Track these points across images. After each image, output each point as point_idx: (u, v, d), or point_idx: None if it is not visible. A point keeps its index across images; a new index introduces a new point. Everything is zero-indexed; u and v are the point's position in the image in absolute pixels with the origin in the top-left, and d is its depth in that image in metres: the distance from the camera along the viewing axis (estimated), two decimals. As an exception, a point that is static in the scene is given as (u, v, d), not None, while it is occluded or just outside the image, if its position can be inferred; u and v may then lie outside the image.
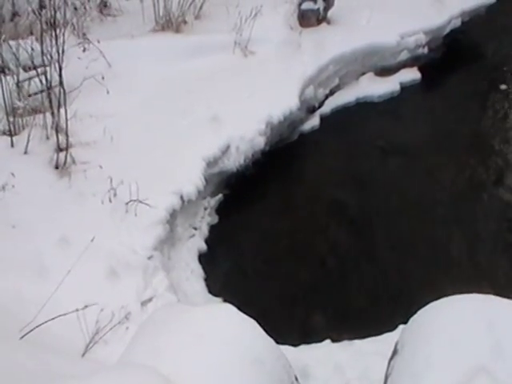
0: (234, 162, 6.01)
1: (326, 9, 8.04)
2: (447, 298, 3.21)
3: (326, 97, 7.38)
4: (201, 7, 8.02)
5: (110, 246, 4.57)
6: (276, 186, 6.11)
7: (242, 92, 6.58)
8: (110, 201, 4.98)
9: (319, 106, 7.26)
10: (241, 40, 7.24)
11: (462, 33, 8.41)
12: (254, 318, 3.34)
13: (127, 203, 4.95)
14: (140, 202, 4.94)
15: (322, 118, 7.11)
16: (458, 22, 8.42)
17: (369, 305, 4.79)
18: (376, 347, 3.98)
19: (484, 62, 8.27)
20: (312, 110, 7.15)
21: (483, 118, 7.34)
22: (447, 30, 8.34)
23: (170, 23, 7.69)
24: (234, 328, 3.34)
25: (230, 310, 3.46)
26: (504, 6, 8.69)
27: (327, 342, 4.26)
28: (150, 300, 4.34)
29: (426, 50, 8.10)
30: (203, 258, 5.23)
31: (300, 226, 5.67)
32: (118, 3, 8.37)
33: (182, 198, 5.28)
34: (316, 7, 7.92)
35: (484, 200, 6.03)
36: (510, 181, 6.23)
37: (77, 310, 3.86)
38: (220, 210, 5.78)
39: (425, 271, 5.06)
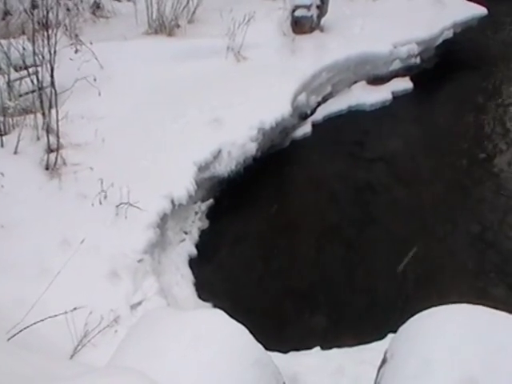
0: (225, 167, 5.99)
1: (320, 16, 8.07)
2: (437, 308, 3.20)
3: (319, 104, 7.40)
4: (194, 11, 8.03)
5: (99, 248, 4.53)
6: (267, 192, 6.09)
7: (234, 97, 6.58)
8: (101, 203, 4.95)
9: (311, 113, 7.27)
10: (233, 45, 7.26)
11: (454, 44, 8.48)
12: (244, 324, 3.32)
13: (118, 206, 4.91)
14: (131, 204, 4.91)
15: (314, 125, 7.13)
16: (450, 34, 8.49)
17: (360, 313, 4.78)
18: (365, 355, 3.97)
19: (475, 72, 8.33)
20: (304, 117, 7.16)
21: (474, 129, 7.38)
22: (439, 41, 8.41)
23: (163, 26, 7.69)
24: (224, 333, 3.32)
25: (220, 315, 3.44)
26: (495, 18, 8.79)
27: (317, 349, 4.25)
28: (139, 304, 4.30)
29: (418, 60, 8.15)
30: (193, 263, 5.20)
31: (290, 232, 5.66)
32: (111, 5, 8.38)
33: (172, 202, 5.26)
34: (309, 14, 7.94)
35: (471, 212, 6.04)
36: (500, 194, 6.23)
37: (65, 312, 3.83)
38: (211, 214, 5.75)
39: (415, 280, 5.08)
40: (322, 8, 8.07)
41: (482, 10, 8.72)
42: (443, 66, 8.22)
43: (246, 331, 3.33)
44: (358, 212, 5.94)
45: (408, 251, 5.29)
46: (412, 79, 7.93)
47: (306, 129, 7.06)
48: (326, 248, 5.49)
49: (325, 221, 5.86)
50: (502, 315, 3.07)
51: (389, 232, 5.63)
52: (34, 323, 3.71)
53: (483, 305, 3.14)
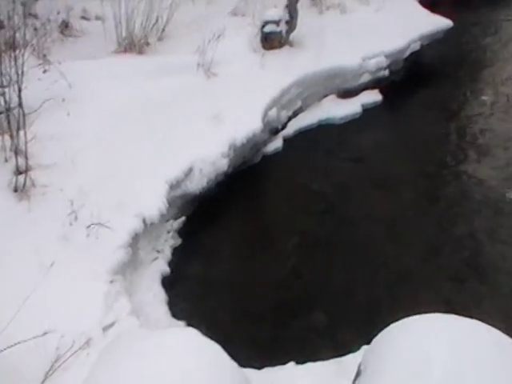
0: (197, 184, 5.97)
1: (289, 31, 8.15)
2: (409, 318, 3.22)
3: (289, 119, 7.43)
4: (163, 29, 8.05)
5: (70, 270, 4.47)
6: (239, 209, 6.11)
7: (204, 113, 6.58)
8: (71, 224, 4.89)
9: (282, 128, 7.30)
10: (204, 62, 7.28)
11: (421, 56, 8.64)
12: (218, 342, 3.31)
13: (88, 227, 4.86)
14: (101, 225, 4.86)
15: (285, 140, 7.16)
16: (417, 46, 8.64)
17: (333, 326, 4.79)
18: (340, 368, 3.97)
19: (442, 83, 8.48)
20: (275, 132, 7.19)
21: (442, 138, 7.49)
22: (407, 54, 8.54)
23: (132, 45, 7.69)
24: (197, 351, 3.30)
25: (194, 334, 3.42)
26: (460, 30, 8.98)
27: (291, 364, 4.23)
28: (111, 325, 4.24)
29: (386, 73, 8.26)
30: (166, 282, 5.16)
31: (263, 248, 5.65)
32: (80, 24, 8.35)
33: (144, 221, 5.21)
34: (278, 30, 8.02)
35: (438, 217, 6.10)
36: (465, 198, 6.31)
37: (36, 337, 3.76)
38: (183, 232, 5.72)
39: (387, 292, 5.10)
40: (291, 23, 8.15)
41: (447, 23, 8.91)
42: (411, 78, 8.36)
43: (220, 349, 3.32)
44: (330, 225, 5.96)
45: (378, 262, 5.34)
46: (381, 91, 8.04)
47: (277, 144, 7.09)
48: (299, 262, 5.49)
49: (297, 235, 5.86)
50: (473, 323, 3.09)
51: (360, 243, 5.66)
52: (3, 350, 3.64)
53: (454, 313, 3.16)
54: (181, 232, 5.71)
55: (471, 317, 3.13)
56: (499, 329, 3.03)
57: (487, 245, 5.63)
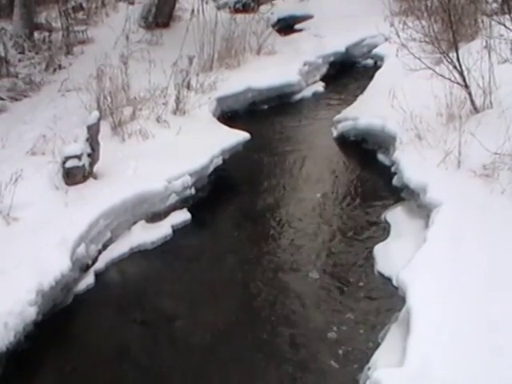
0: (2, 340, 5.67)
1: (92, 164, 8.18)
2: None
3: (100, 252, 7.34)
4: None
5: None
6: (49, 361, 5.86)
7: (6, 262, 6.37)
8: None
9: (93, 263, 7.18)
10: (2, 208, 7.09)
11: (224, 170, 9.07)
12: None
13: None
14: None
15: (97, 275, 7.04)
16: (219, 161, 9.02)
17: None
18: None
19: (244, 193, 8.95)
20: (86, 269, 7.06)
21: (247, 244, 7.86)
22: (211, 169, 8.87)
23: None
24: None
25: None
26: (256, 141, 9.66)
27: None
28: None
29: (193, 191, 8.49)
30: None
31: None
32: None
33: None
34: (81, 164, 8.00)
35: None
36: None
37: None
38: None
39: None
40: (94, 155, 8.20)
41: (245, 135, 9.49)
42: (217, 192, 8.74)
43: None
44: (152, 354, 5.93)
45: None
46: (189, 210, 8.25)
47: (88, 280, 6.95)
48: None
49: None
50: None
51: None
52: None
53: None
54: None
55: None
56: None
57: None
